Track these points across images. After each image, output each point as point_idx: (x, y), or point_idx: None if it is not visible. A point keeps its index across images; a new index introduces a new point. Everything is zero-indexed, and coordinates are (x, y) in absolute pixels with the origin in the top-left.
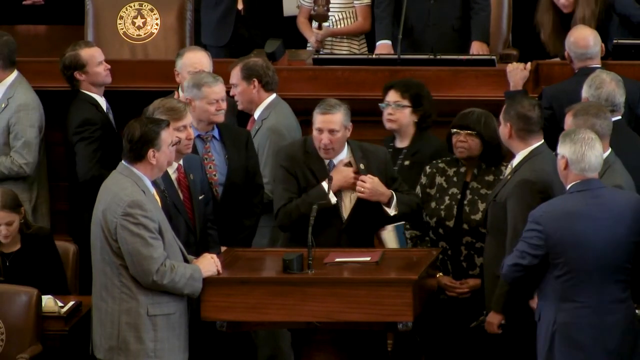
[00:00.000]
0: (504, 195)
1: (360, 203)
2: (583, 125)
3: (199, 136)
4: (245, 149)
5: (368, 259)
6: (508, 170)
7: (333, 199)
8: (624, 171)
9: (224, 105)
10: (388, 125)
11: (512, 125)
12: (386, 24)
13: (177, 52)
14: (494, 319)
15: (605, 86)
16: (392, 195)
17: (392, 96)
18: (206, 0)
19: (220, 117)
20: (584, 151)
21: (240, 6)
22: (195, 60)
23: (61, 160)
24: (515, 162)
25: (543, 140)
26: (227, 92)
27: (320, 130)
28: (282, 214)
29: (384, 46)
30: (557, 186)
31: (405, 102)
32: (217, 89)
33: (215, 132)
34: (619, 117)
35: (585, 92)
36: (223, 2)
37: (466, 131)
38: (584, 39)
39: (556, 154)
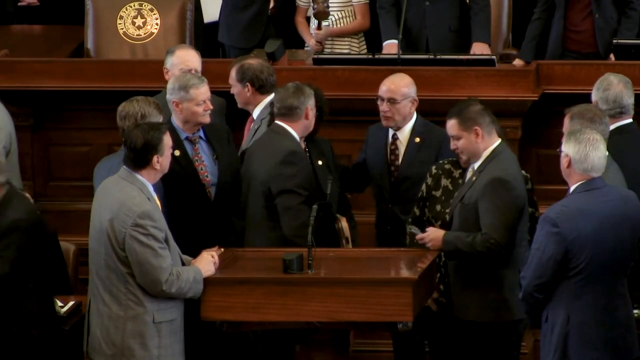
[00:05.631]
0: (473, 196)
1: None
2: None
3: (187, 138)
4: (227, 146)
5: None
6: (470, 173)
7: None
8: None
9: (210, 105)
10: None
11: (480, 126)
12: (391, 24)
13: (167, 50)
14: (438, 233)
15: (613, 88)
16: None
17: None
18: (234, 2)
19: (208, 118)
20: (588, 151)
21: (270, 4)
22: (187, 58)
23: (60, 159)
24: (477, 163)
25: (501, 139)
26: (217, 92)
27: None
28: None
29: (391, 45)
30: (522, 184)
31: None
32: (204, 90)
33: (201, 133)
34: (630, 121)
35: (593, 95)
36: (254, 4)
37: None
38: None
39: (560, 151)
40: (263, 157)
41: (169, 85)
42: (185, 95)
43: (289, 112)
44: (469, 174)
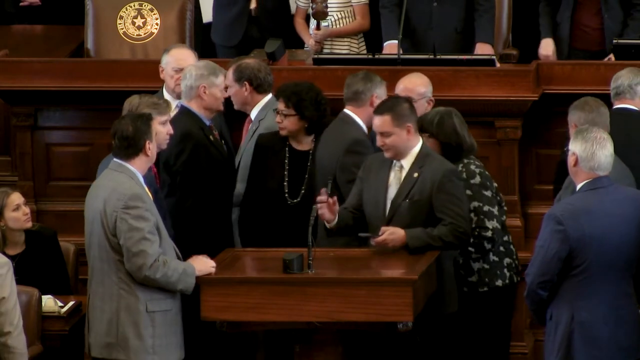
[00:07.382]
0: (425, 191)
1: None
2: (576, 121)
3: (210, 126)
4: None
5: None
6: (400, 171)
7: None
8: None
9: (226, 93)
10: (282, 132)
11: (412, 123)
12: (394, 24)
13: (164, 49)
14: (399, 232)
15: (620, 71)
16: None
17: (279, 104)
18: (220, 0)
19: (222, 106)
20: (594, 150)
21: (252, 5)
22: (180, 57)
23: (60, 159)
24: (409, 162)
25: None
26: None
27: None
28: None
29: (393, 46)
30: None
31: (291, 111)
32: (224, 78)
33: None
34: (629, 106)
35: None
36: (238, 2)
37: (421, 134)
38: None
39: (567, 150)
40: (329, 146)
41: (196, 72)
42: (214, 81)
43: (354, 97)
44: (400, 172)
